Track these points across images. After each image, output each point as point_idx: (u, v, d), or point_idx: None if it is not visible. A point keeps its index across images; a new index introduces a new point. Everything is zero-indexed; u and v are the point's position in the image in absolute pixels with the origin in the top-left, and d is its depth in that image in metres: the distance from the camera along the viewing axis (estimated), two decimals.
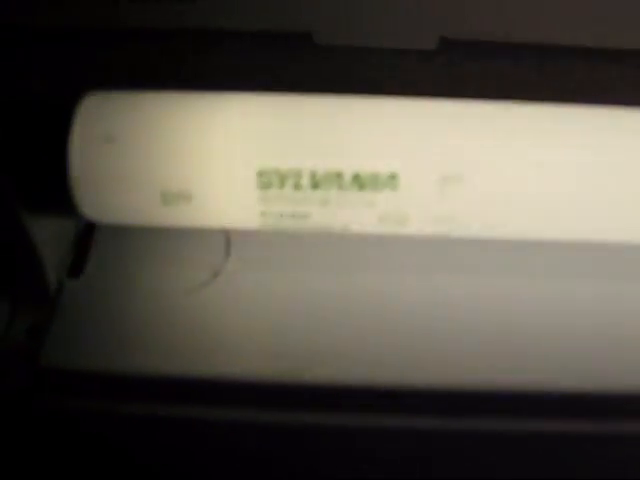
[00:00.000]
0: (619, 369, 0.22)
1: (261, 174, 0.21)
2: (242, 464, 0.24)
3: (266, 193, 0.21)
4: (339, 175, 0.20)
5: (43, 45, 0.25)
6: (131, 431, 0.23)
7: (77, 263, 0.25)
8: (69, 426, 0.23)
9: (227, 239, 0.25)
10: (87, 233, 0.26)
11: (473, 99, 0.26)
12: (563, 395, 0.22)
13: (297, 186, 0.21)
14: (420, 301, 0.24)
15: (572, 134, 0.21)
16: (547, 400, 0.22)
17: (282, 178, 0.21)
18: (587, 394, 0.22)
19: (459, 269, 0.25)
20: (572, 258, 0.25)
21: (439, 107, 0.21)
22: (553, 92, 0.26)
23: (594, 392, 0.22)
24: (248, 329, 0.24)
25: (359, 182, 0.21)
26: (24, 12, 0.24)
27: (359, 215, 0.21)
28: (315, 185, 0.21)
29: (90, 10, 0.23)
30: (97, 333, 0.23)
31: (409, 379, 0.22)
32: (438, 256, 0.25)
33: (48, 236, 0.24)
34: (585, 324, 0.23)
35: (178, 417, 0.23)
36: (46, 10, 0.23)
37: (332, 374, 0.22)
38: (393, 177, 0.20)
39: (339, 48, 0.25)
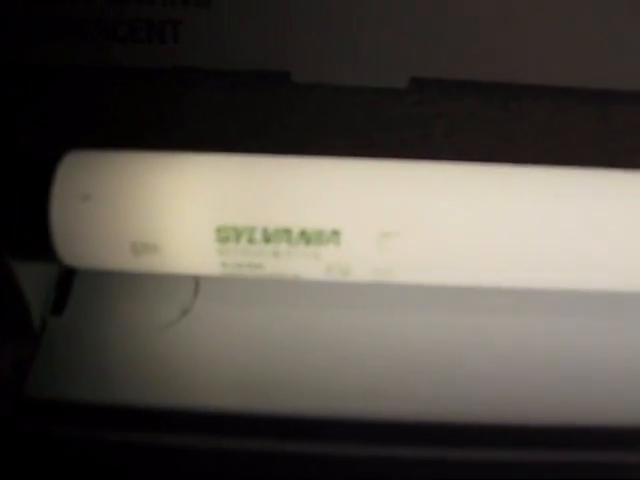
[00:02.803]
0: (614, 402, 0.24)
1: (219, 229, 0.23)
2: None
3: (224, 246, 0.23)
4: (288, 231, 0.23)
5: (28, 101, 0.27)
6: (107, 456, 0.25)
7: (59, 302, 0.27)
8: (52, 452, 0.25)
9: (196, 279, 0.28)
10: (67, 275, 0.28)
11: (444, 137, 0.28)
12: (554, 428, 0.24)
13: (251, 240, 0.23)
14: (395, 334, 0.26)
15: (501, 194, 0.23)
16: (537, 432, 0.24)
17: (238, 233, 0.23)
18: (581, 427, 0.24)
19: (427, 304, 0.26)
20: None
21: (378, 168, 0.24)
22: (519, 131, 0.28)
23: (590, 425, 0.24)
24: (216, 362, 0.26)
25: (305, 237, 0.23)
26: (14, 50, 0.26)
27: (307, 266, 0.23)
28: (267, 239, 0.23)
29: (76, 50, 0.25)
30: (78, 366, 0.25)
31: (368, 410, 0.24)
32: (415, 292, 0.26)
33: (32, 279, 0.26)
34: (570, 358, 0.25)
35: (151, 444, 0.24)
36: (31, 50, 0.25)
37: (296, 405, 0.24)
38: (336, 233, 0.22)
39: (315, 86, 0.27)
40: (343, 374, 0.25)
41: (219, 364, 0.26)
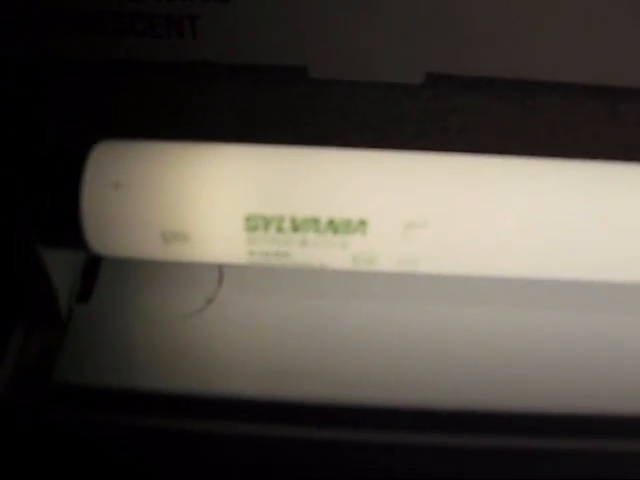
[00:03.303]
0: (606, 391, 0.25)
1: (248, 218, 0.23)
2: (236, 475, 0.26)
3: (253, 235, 0.23)
4: (316, 220, 0.23)
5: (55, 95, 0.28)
6: (132, 440, 0.26)
7: (85, 290, 0.28)
8: (78, 436, 0.26)
9: (220, 269, 0.28)
10: (94, 264, 0.28)
11: (458, 132, 0.28)
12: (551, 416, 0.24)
13: (279, 229, 0.23)
14: (410, 324, 0.26)
15: (518, 185, 0.24)
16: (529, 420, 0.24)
17: (267, 222, 0.23)
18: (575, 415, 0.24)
19: (447, 295, 0.27)
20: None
21: (405, 160, 0.24)
22: (532, 127, 0.29)
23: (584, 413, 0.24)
24: (239, 350, 0.26)
25: (333, 227, 0.23)
26: (35, 45, 0.26)
27: (333, 255, 0.24)
28: (295, 229, 0.23)
29: (94, 45, 0.26)
30: (103, 353, 0.26)
31: (392, 397, 0.25)
32: (430, 283, 0.27)
33: (59, 268, 0.26)
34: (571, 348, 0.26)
35: (173, 429, 0.25)
36: (53, 43, 0.26)
37: (318, 392, 0.25)
38: (363, 223, 0.23)
39: (332, 82, 0.27)
40: (365, 362, 0.26)
41: (242, 352, 0.26)
